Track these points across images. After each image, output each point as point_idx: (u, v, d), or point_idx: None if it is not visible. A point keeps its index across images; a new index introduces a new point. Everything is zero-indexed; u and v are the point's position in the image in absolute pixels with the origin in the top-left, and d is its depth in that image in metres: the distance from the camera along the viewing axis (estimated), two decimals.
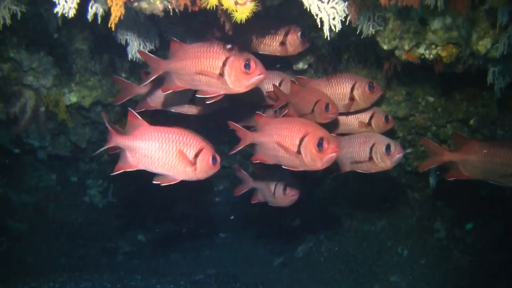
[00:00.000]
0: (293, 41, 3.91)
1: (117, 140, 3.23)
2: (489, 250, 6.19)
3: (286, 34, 3.92)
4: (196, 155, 3.17)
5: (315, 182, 6.63)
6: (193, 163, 3.17)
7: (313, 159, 3.20)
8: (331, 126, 4.07)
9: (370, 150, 3.77)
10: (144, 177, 3.50)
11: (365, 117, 4.17)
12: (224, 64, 3.11)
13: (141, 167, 3.26)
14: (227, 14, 2.64)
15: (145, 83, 3.76)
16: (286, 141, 3.26)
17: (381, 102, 4.68)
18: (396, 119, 4.82)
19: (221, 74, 3.12)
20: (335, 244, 7.36)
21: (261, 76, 3.13)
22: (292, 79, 4.09)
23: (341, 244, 7.30)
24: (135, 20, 3.86)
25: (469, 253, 6.33)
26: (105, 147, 3.27)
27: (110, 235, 7.93)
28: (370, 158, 3.77)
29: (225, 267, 7.93)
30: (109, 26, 2.81)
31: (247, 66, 3.07)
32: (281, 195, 4.08)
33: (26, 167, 7.24)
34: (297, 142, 3.22)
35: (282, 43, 3.93)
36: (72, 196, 7.51)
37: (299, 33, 3.90)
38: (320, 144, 3.13)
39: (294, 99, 4.00)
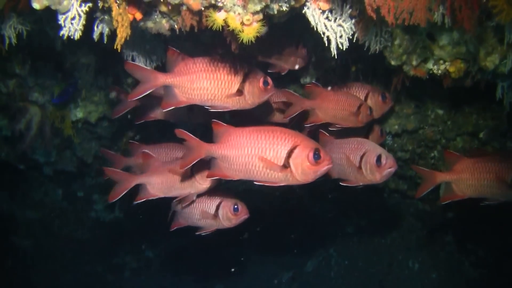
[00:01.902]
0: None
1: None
2: (502, 263, 6.13)
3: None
4: (218, 207, 3.59)
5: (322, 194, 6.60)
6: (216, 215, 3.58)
7: (306, 173, 2.88)
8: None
9: (360, 158, 3.40)
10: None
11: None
12: (244, 80, 3.14)
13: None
14: (234, 35, 2.62)
15: (136, 98, 3.30)
16: (268, 154, 2.89)
17: (390, 115, 4.65)
18: (405, 132, 4.80)
19: (240, 90, 3.14)
20: (345, 258, 7.31)
21: (274, 91, 3.28)
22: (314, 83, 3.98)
23: (351, 258, 7.25)
24: (142, 36, 3.85)
25: (481, 266, 6.27)
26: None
27: (117, 250, 7.91)
28: (359, 168, 3.40)
29: (234, 282, 7.89)
30: (115, 47, 2.79)
31: (265, 82, 3.16)
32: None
33: (32, 183, 7.24)
34: (285, 155, 2.87)
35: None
36: (78, 211, 7.49)
37: (304, 49, 3.98)
38: (317, 156, 2.85)
39: (324, 104, 3.81)
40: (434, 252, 6.58)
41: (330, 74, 4.48)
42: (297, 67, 4.05)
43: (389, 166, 3.30)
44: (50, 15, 3.48)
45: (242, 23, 2.51)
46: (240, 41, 2.56)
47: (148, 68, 3.30)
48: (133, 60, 3.93)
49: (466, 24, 2.55)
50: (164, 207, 3.89)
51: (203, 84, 3.15)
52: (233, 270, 7.72)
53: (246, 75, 3.16)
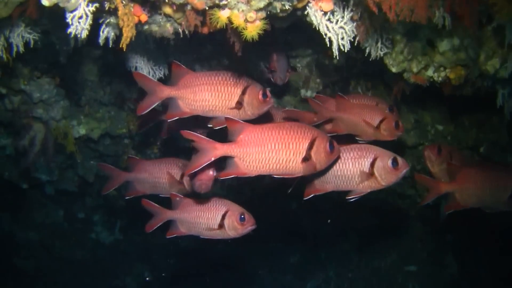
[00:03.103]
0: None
1: (167, 217, 3.63)
2: (503, 285, 6.09)
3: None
4: (223, 217, 3.47)
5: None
6: (221, 225, 3.47)
7: (322, 162, 3.07)
8: None
9: (371, 165, 3.30)
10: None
11: None
12: (243, 93, 3.25)
13: (187, 233, 3.64)
14: (237, 33, 2.68)
15: (145, 112, 3.38)
16: (292, 147, 3.01)
17: None
18: (405, 148, 4.81)
19: (240, 102, 3.26)
20: (345, 281, 7.27)
21: (272, 104, 3.38)
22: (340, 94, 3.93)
23: (351, 281, 7.21)
24: (145, 47, 3.92)
25: None
26: (159, 224, 3.65)
27: (116, 272, 7.87)
28: (370, 174, 3.29)
29: None
30: (120, 46, 2.84)
31: (264, 95, 3.26)
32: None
33: (33, 204, 7.23)
34: (306, 147, 3.00)
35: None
36: (78, 232, 7.47)
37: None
38: (332, 146, 3.04)
39: (344, 115, 3.79)
40: (434, 274, 6.54)
41: (330, 89, 4.54)
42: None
43: (405, 167, 3.26)
44: (56, 24, 3.57)
45: (246, 21, 2.56)
46: (243, 38, 2.61)
47: (155, 80, 3.41)
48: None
49: (467, 21, 2.60)
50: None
51: (204, 96, 3.28)
52: None
53: (246, 88, 3.28)
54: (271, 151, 3.00)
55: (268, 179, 3.34)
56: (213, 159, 3.02)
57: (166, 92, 3.30)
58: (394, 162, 3.23)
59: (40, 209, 7.32)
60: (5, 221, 7.34)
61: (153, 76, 4.05)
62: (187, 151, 4.64)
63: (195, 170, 3.09)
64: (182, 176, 3.86)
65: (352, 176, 3.35)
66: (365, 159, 3.31)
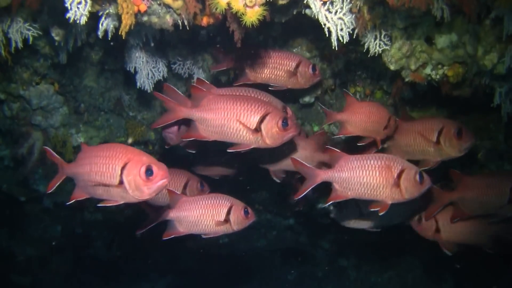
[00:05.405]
0: (304, 73, 3.91)
1: (165, 216, 3.65)
2: None
3: (297, 66, 3.90)
4: (228, 213, 3.58)
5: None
6: (227, 220, 3.58)
7: (274, 137, 3.26)
8: None
9: (398, 176, 3.23)
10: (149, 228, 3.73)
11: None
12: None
13: (186, 232, 3.68)
14: (237, 19, 2.69)
15: (158, 126, 3.66)
16: (242, 118, 3.27)
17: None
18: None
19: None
20: None
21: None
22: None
23: None
24: (145, 48, 3.93)
25: None
26: (154, 224, 3.69)
27: None
28: (396, 185, 3.23)
29: None
30: (119, 33, 2.86)
31: (284, 124, 3.27)
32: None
33: (31, 219, 7.19)
34: (257, 120, 3.24)
35: (293, 74, 3.90)
36: (76, 248, 7.42)
37: (310, 66, 3.91)
38: (285, 123, 3.23)
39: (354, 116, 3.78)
40: None
41: (329, 95, 4.53)
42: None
43: (429, 182, 3.27)
44: (56, 20, 3.59)
45: (245, 5, 2.57)
46: (243, 23, 2.62)
47: (172, 101, 3.50)
48: (135, 71, 4.02)
49: (466, 9, 2.61)
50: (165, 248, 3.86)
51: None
52: None
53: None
54: (224, 119, 3.29)
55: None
56: (175, 119, 3.41)
57: (184, 113, 3.45)
58: (420, 176, 3.23)
59: (38, 224, 7.27)
60: (2, 236, 7.29)
61: (151, 77, 4.07)
62: (185, 161, 4.66)
63: (160, 126, 3.55)
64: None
65: (377, 185, 3.30)
66: (393, 170, 3.26)
